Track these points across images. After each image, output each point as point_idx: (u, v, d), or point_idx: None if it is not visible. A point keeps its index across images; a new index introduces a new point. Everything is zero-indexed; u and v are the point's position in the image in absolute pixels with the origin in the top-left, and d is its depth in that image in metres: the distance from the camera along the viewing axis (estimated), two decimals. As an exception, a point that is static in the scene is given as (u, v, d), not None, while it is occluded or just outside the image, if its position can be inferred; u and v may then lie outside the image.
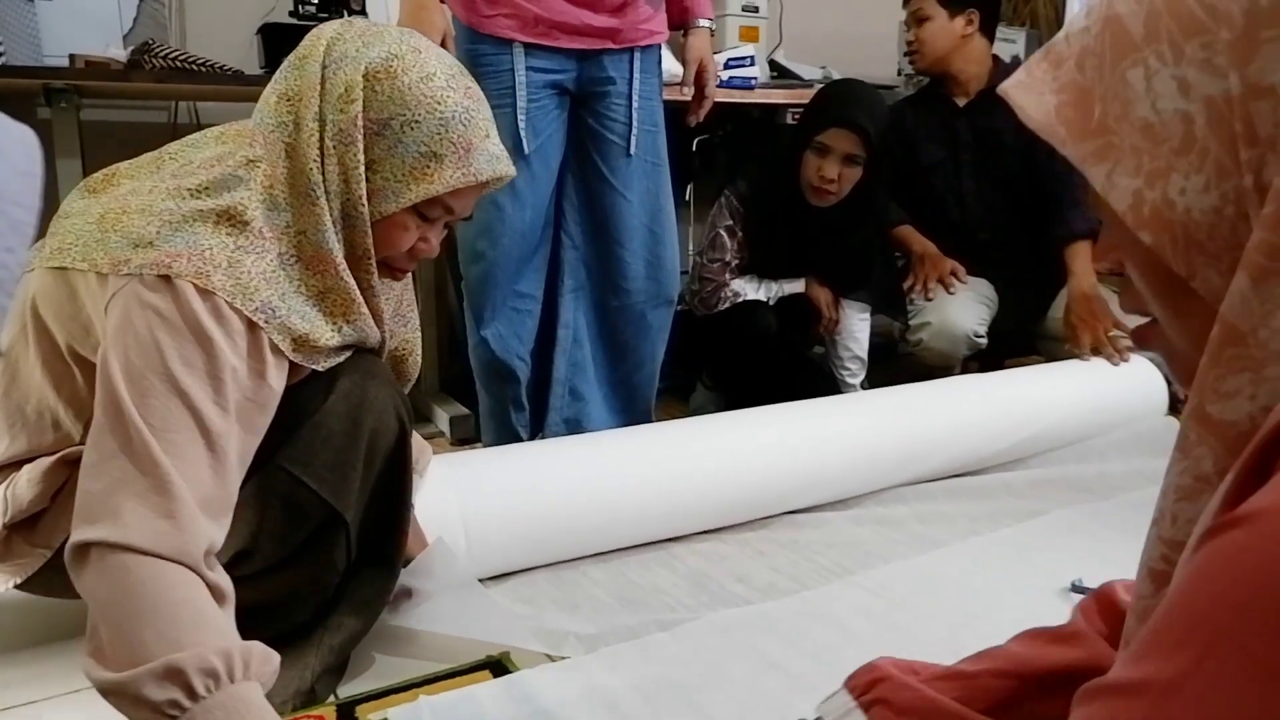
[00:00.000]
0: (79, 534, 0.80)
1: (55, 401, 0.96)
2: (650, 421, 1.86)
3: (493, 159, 0.99)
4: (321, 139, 0.93)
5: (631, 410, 1.86)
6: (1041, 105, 0.48)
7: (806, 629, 1.22)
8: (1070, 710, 0.40)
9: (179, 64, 1.82)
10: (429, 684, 1.09)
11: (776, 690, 1.08)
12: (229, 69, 1.92)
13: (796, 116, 2.57)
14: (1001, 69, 2.31)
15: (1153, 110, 0.43)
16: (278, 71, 0.98)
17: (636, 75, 1.69)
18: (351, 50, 0.95)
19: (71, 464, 0.96)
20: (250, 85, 1.98)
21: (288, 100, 0.95)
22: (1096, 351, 2.04)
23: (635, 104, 1.70)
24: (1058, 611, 1.26)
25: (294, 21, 2.08)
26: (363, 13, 2.14)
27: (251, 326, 0.88)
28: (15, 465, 0.98)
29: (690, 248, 2.99)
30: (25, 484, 0.95)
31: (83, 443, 0.95)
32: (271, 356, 0.90)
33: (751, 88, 2.47)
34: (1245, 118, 0.41)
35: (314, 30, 0.99)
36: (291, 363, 0.94)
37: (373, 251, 0.97)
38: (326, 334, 0.95)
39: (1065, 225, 2.15)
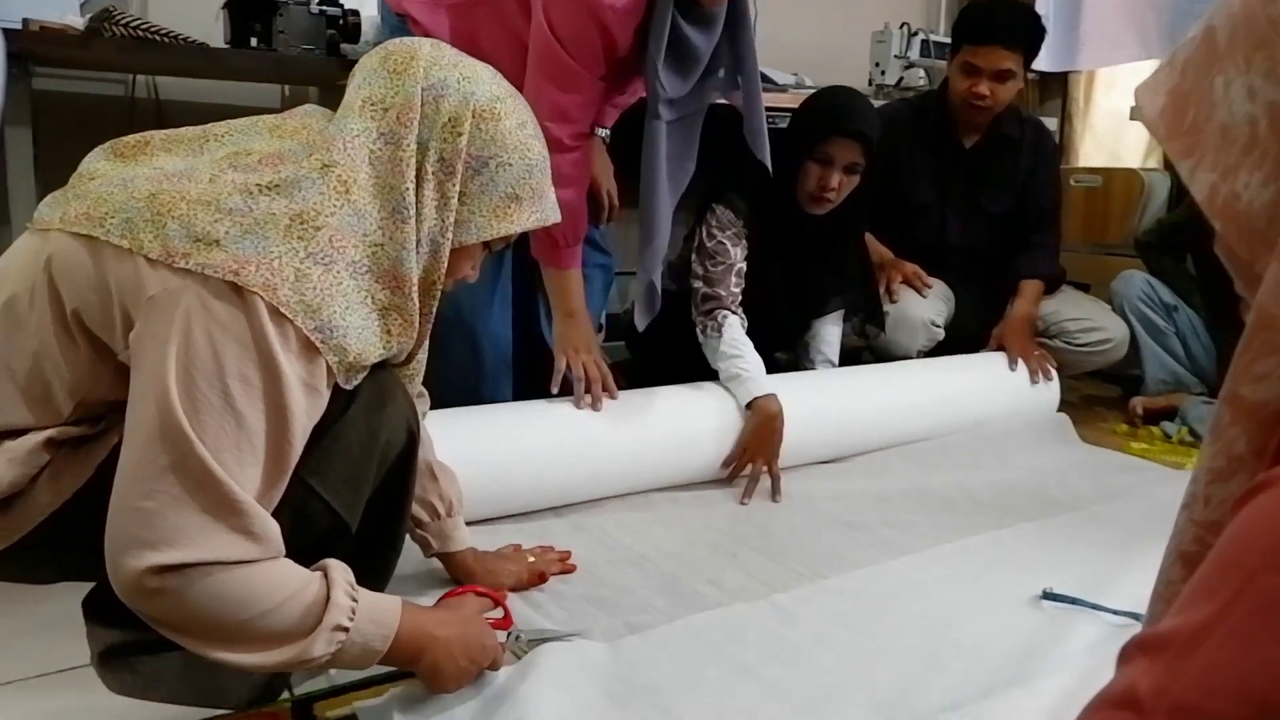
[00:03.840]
0: (148, 557, 0.78)
1: (51, 373, 0.89)
2: None
3: (555, 206, 1.07)
4: (420, 162, 0.94)
5: None
6: (1154, 105, 0.53)
7: (779, 633, 1.20)
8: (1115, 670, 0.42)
9: (141, 33, 1.74)
10: (398, 679, 1.04)
11: (750, 695, 1.06)
12: (194, 41, 1.85)
13: (770, 121, 2.57)
14: (1009, 115, 2.31)
15: (1228, 113, 0.48)
16: (359, 73, 0.98)
17: None
18: (453, 81, 0.97)
19: (57, 445, 0.91)
20: (215, 61, 1.92)
21: (375, 107, 0.95)
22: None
23: None
24: (1029, 620, 1.27)
25: (263, -3, 2.01)
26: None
27: (310, 344, 0.86)
28: None
29: (659, 248, 2.97)
30: (4, 464, 0.89)
31: (70, 423, 0.91)
32: (324, 373, 0.88)
33: (727, 89, 2.45)
34: None
35: (399, 44, 0.99)
36: None
37: (443, 279, 0.98)
38: (376, 352, 0.93)
39: (1031, 265, 2.30)
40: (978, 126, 2.28)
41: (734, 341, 1.82)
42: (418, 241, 0.95)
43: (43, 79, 2.04)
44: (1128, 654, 0.41)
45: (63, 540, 0.92)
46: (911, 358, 2.20)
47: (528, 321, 1.90)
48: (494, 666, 1.04)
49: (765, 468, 1.73)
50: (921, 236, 2.34)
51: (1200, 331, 2.42)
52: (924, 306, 2.21)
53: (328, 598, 0.86)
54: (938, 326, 2.21)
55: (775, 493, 1.73)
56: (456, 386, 1.71)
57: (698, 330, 1.88)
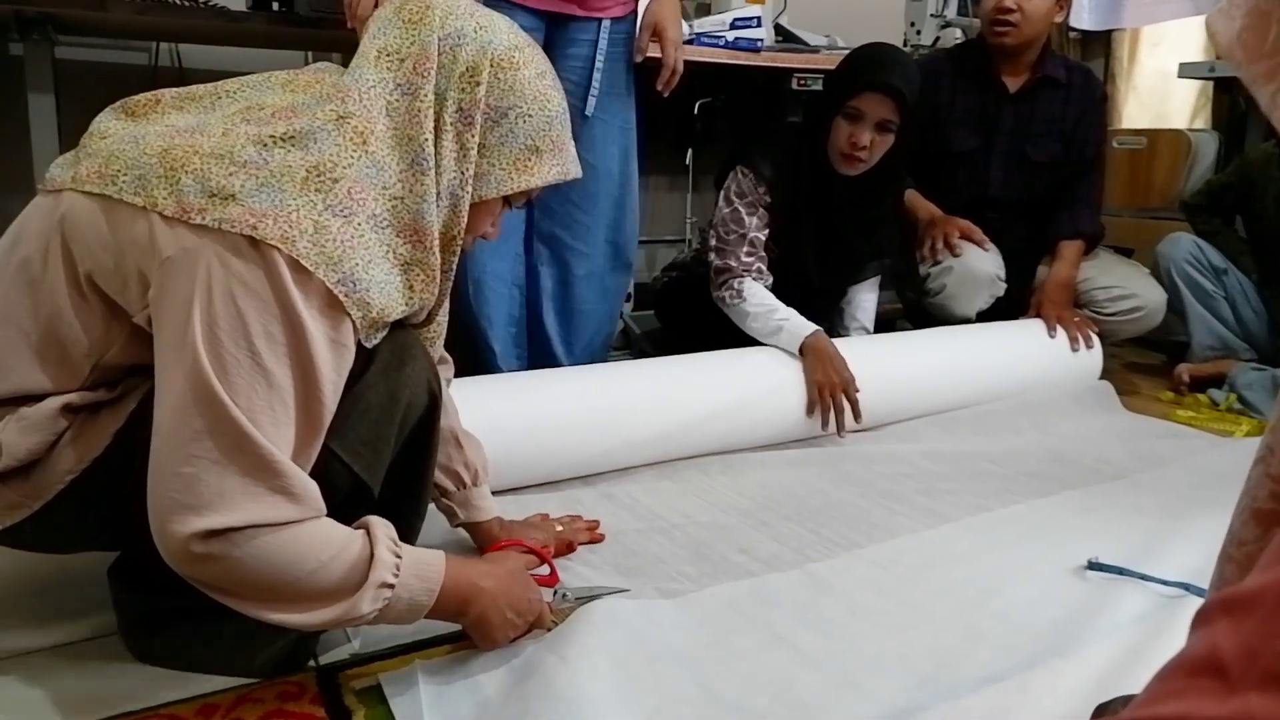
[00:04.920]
0: (193, 522, 0.78)
1: (66, 336, 0.88)
2: None
3: (575, 160, 1.04)
4: (438, 113, 0.92)
5: None
6: (1229, 29, 0.49)
7: (813, 603, 1.16)
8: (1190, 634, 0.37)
9: (161, -3, 1.72)
10: (422, 649, 1.03)
11: (783, 665, 1.03)
12: (214, 4, 1.82)
13: (802, 82, 2.50)
14: (1053, 57, 2.23)
15: None
16: (373, 24, 0.96)
17: (603, 41, 1.76)
18: (469, 30, 0.95)
19: (75, 411, 0.89)
20: (235, 24, 1.90)
21: (390, 58, 0.93)
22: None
23: (598, 67, 1.76)
24: (1073, 590, 1.22)
25: (284, -40, 1.98)
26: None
27: (333, 299, 0.83)
28: (8, 405, 0.89)
29: (689, 214, 2.92)
30: (21, 431, 0.87)
31: (87, 388, 0.89)
32: (349, 329, 0.86)
33: (758, 50, 2.39)
34: None
35: None
36: None
37: (464, 234, 0.96)
38: (398, 308, 0.91)
39: (1072, 223, 2.21)
40: (1016, 62, 2.17)
41: (760, 300, 1.81)
42: (437, 195, 0.92)
43: (66, 47, 2.03)
44: (1207, 615, 0.37)
45: (84, 508, 0.91)
46: (970, 318, 2.14)
47: (537, 288, 1.87)
48: (539, 624, 1.02)
49: (845, 395, 1.74)
50: (963, 188, 2.24)
51: (1251, 295, 2.33)
52: (989, 261, 2.12)
53: (371, 554, 0.85)
54: (1003, 280, 2.13)
55: (856, 416, 1.75)
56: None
57: (719, 304, 1.87)
